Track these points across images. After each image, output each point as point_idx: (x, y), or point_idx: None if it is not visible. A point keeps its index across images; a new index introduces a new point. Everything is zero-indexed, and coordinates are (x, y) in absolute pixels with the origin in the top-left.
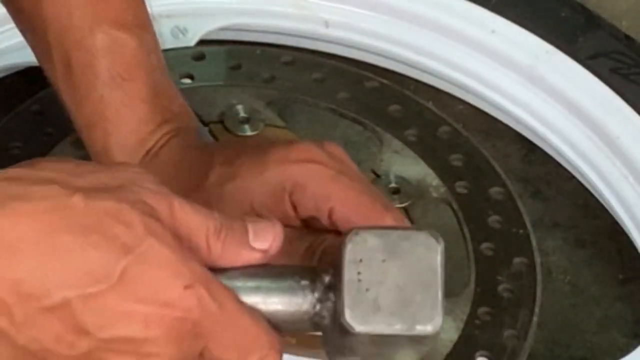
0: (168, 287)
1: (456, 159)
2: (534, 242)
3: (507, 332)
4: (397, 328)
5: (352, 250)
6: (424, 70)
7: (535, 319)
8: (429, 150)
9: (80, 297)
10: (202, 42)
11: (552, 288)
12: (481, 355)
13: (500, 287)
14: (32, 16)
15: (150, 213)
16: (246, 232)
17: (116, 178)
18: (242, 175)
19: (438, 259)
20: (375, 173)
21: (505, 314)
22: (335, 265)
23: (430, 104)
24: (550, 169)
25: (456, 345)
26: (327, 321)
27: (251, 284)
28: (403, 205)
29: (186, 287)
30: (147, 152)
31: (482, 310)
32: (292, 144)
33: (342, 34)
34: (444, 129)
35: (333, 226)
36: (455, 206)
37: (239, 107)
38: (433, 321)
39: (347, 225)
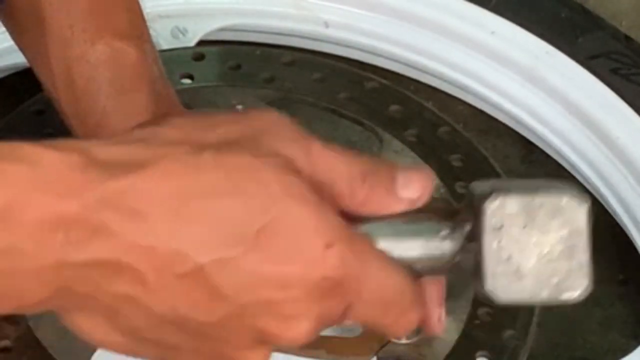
0: (308, 247)
1: (456, 159)
2: None
3: (507, 333)
4: (542, 296)
5: (492, 217)
6: (424, 71)
7: (535, 319)
8: (429, 150)
9: (214, 262)
10: (202, 43)
11: None
12: (481, 356)
13: None
14: (31, 29)
15: (287, 166)
16: (393, 178)
17: (250, 127)
18: None
19: (584, 220)
20: None
21: (505, 314)
22: (475, 213)
23: (430, 104)
24: (550, 169)
25: (456, 345)
26: (468, 273)
27: (390, 230)
28: None
29: (327, 246)
30: None
31: (482, 310)
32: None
33: (342, 35)
34: (443, 129)
35: None
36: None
37: (239, 108)
38: (581, 287)
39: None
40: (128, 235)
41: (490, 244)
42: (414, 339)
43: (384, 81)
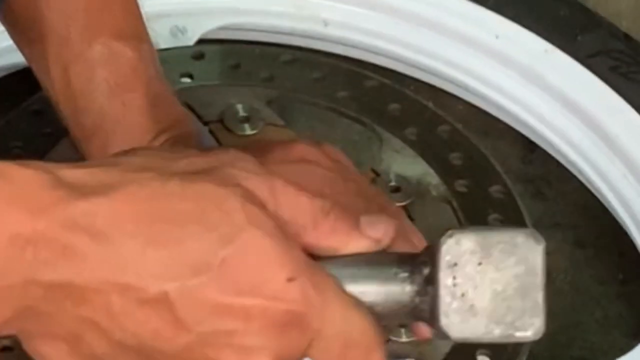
0: (270, 280)
1: (456, 158)
2: None
3: None
4: (496, 334)
5: (447, 254)
6: (423, 70)
7: None
8: (429, 149)
9: (178, 289)
10: (201, 42)
11: (552, 288)
12: (482, 354)
13: None
14: (30, 29)
15: (251, 198)
16: (358, 217)
17: (212, 161)
18: None
19: (539, 260)
20: (375, 172)
21: None
22: (432, 258)
23: (430, 103)
24: (550, 169)
25: (456, 344)
26: (426, 314)
27: (349, 272)
28: (403, 203)
29: (289, 279)
30: None
31: None
32: (291, 144)
33: (342, 33)
34: (443, 127)
35: None
36: (455, 205)
37: (239, 107)
38: (534, 326)
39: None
40: (95, 257)
41: (445, 281)
42: (415, 337)
43: (383, 80)
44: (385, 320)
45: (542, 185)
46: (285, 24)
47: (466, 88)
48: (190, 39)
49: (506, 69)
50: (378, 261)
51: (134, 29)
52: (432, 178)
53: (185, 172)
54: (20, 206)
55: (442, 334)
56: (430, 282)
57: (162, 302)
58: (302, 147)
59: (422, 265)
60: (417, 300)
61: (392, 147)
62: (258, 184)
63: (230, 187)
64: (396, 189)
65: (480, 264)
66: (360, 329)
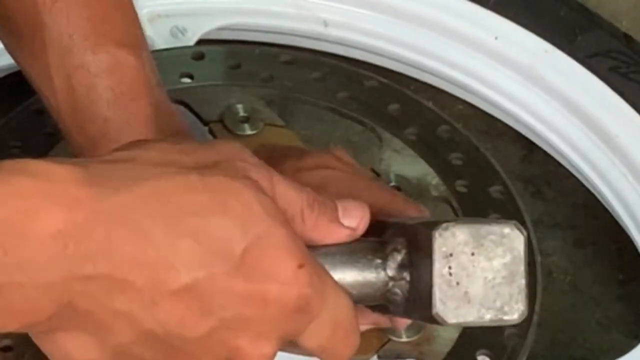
0: (284, 267)
1: (456, 158)
2: (534, 241)
3: (508, 331)
4: (486, 319)
5: (442, 245)
6: (423, 70)
7: (535, 317)
8: (429, 149)
9: (206, 277)
10: (201, 42)
11: (552, 288)
12: (482, 354)
13: None
14: (30, 37)
15: (260, 188)
16: (336, 208)
17: (220, 154)
18: None
19: (522, 249)
20: (375, 172)
21: None
22: (409, 242)
23: (430, 104)
24: (550, 169)
25: (457, 343)
26: (399, 298)
27: (329, 260)
28: None
29: (300, 266)
30: None
31: None
32: (304, 153)
33: (342, 34)
34: (443, 128)
35: None
36: (455, 205)
37: (239, 107)
38: (519, 311)
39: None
40: (130, 250)
41: (441, 270)
42: (415, 337)
43: (383, 80)
44: (361, 303)
45: (542, 185)
46: (285, 24)
47: (466, 88)
48: (190, 39)
49: (506, 69)
50: (355, 249)
51: (135, 36)
52: (432, 178)
53: (198, 166)
54: (59, 203)
55: (433, 320)
56: (404, 268)
57: (192, 290)
58: (313, 155)
59: (394, 252)
60: (390, 284)
61: (392, 147)
62: (261, 176)
63: (242, 179)
64: (396, 189)
65: (473, 254)
66: (346, 313)
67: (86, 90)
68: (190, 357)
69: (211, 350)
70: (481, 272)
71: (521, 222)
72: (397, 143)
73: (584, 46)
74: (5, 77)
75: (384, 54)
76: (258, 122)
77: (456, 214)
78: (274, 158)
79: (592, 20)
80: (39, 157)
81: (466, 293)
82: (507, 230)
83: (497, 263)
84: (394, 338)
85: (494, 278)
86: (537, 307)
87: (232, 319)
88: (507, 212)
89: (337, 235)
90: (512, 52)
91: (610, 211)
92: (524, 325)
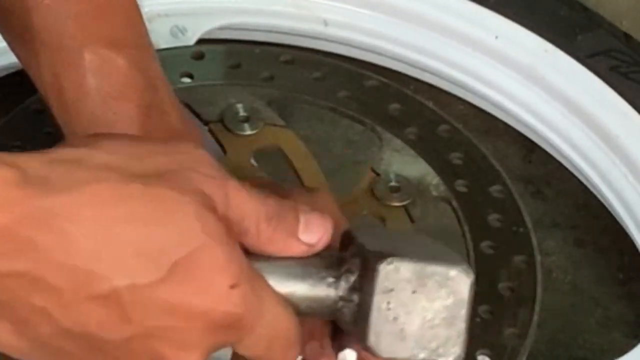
0: (215, 286)
1: (456, 158)
2: (534, 240)
3: (508, 331)
4: (419, 358)
5: (385, 280)
6: (423, 69)
7: (535, 317)
8: (429, 148)
9: (128, 287)
10: (201, 41)
11: (552, 288)
12: (482, 354)
13: (501, 286)
14: (22, 35)
15: (207, 203)
16: (297, 222)
17: (174, 162)
18: None
19: (466, 293)
20: (375, 172)
21: (505, 312)
22: (362, 267)
23: (430, 103)
24: (550, 169)
25: None
26: (347, 318)
27: (280, 271)
28: (403, 203)
29: (232, 286)
30: None
31: (482, 308)
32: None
33: (342, 33)
34: (443, 127)
35: None
36: (455, 204)
37: (239, 106)
38: (455, 354)
39: None
40: (52, 252)
41: (380, 304)
42: None
43: (383, 80)
44: (310, 316)
45: (542, 185)
46: (285, 24)
47: (466, 88)
48: (190, 39)
49: (506, 69)
50: (308, 264)
51: (130, 35)
52: (432, 178)
53: (147, 175)
54: None
55: (367, 349)
56: (356, 290)
57: (111, 297)
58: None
59: (348, 272)
60: (340, 304)
61: (392, 147)
62: (214, 188)
63: (188, 193)
64: (396, 189)
65: (414, 292)
66: (286, 327)
67: (74, 88)
68: (113, 358)
69: (134, 354)
70: (421, 311)
71: (521, 221)
72: (397, 143)
73: (584, 46)
74: (5, 77)
75: (384, 53)
76: (258, 122)
77: (456, 214)
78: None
79: (592, 20)
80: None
81: (402, 330)
82: (453, 272)
83: (438, 304)
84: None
85: (432, 319)
86: (537, 307)
87: (154, 328)
88: (507, 212)
89: (292, 250)
90: (512, 52)
91: (611, 211)
92: (524, 325)
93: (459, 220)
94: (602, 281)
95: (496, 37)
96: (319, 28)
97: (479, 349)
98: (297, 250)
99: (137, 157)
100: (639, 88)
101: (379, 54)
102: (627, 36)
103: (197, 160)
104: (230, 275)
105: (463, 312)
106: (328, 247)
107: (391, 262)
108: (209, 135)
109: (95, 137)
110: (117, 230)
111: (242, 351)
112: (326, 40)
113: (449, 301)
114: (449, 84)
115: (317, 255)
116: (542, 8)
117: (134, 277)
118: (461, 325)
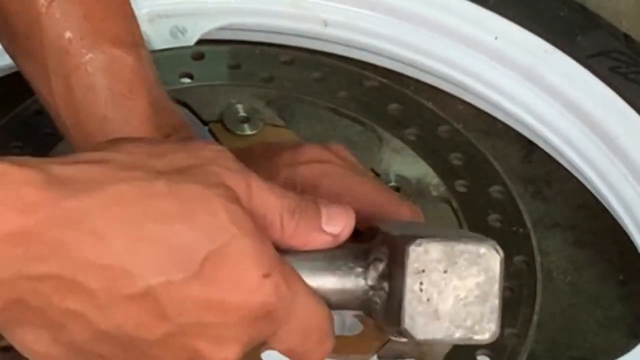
0: (247, 277)
1: (456, 158)
2: (534, 241)
3: (508, 331)
4: (456, 337)
5: (415, 261)
6: (423, 70)
7: (535, 317)
8: (429, 149)
9: (163, 285)
10: (201, 42)
11: (552, 288)
12: (482, 354)
13: None
14: (27, 38)
15: (232, 197)
16: (319, 214)
17: (195, 157)
18: None
19: (497, 270)
20: (375, 172)
21: (505, 312)
22: (391, 253)
23: (430, 104)
24: (550, 169)
25: (457, 345)
26: (379, 307)
27: (308, 265)
28: None
29: (264, 276)
30: None
31: None
32: (299, 146)
33: (341, 34)
34: (443, 128)
35: None
36: (455, 205)
37: (239, 107)
38: (490, 331)
39: (363, 220)
40: (84, 253)
41: (412, 286)
42: None
43: (383, 80)
44: (341, 309)
45: (542, 185)
46: (285, 24)
47: (466, 88)
48: (190, 39)
49: (506, 69)
50: (336, 256)
51: (132, 35)
52: (432, 178)
53: (170, 171)
54: (12, 206)
55: (401, 333)
56: (386, 278)
57: (148, 296)
58: (310, 149)
59: (376, 261)
60: (370, 293)
61: (392, 147)
62: (237, 181)
63: (214, 187)
64: (396, 189)
65: (445, 271)
66: (320, 318)
67: (84, 90)
68: (151, 358)
69: (171, 352)
70: (453, 290)
71: (521, 221)
72: (397, 143)
73: (584, 46)
74: (5, 77)
75: (383, 53)
76: (258, 122)
77: (456, 214)
78: (270, 152)
79: (592, 20)
80: (39, 157)
81: (436, 310)
82: (482, 250)
83: (470, 282)
84: (394, 338)
85: (466, 297)
86: (537, 307)
87: (190, 325)
88: (507, 212)
89: (318, 242)
90: (512, 52)
91: (611, 211)
92: (524, 325)
93: (458, 221)
94: (602, 281)
95: (496, 38)
96: (318, 28)
97: (479, 348)
98: (322, 241)
99: (158, 155)
100: (638, 88)
101: (379, 54)
102: (627, 36)
103: (218, 155)
104: (262, 265)
105: (496, 288)
106: (349, 239)
107: (420, 244)
108: (209, 135)
109: (113, 141)
110: (147, 228)
111: (276, 345)
112: (326, 40)
113: (481, 278)
114: (449, 85)
115: (342, 247)
116: (542, 9)
117: (168, 274)
118: (494, 301)
